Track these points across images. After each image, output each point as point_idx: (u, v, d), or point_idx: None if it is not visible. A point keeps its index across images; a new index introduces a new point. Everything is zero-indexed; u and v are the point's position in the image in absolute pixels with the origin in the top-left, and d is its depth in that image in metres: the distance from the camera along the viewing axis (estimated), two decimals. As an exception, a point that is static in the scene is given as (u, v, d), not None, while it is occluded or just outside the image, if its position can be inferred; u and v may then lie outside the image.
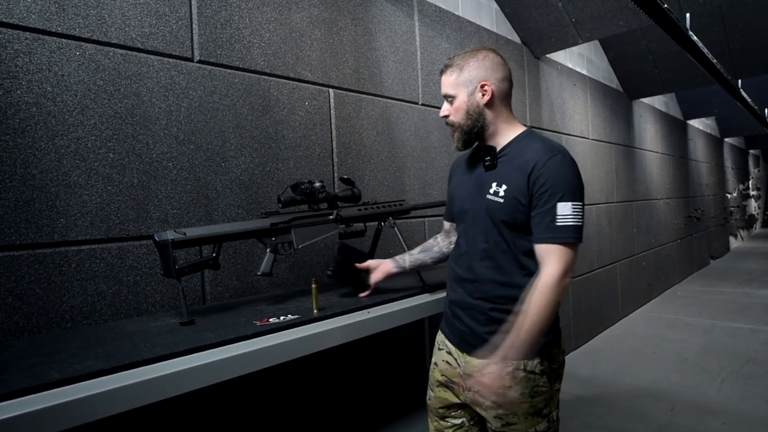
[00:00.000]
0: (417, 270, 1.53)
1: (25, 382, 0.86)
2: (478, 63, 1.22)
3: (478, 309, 1.23)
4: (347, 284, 1.55)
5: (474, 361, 1.22)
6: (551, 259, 1.12)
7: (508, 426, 1.19)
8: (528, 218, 1.17)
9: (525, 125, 1.29)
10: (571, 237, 1.11)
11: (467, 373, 1.23)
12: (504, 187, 1.19)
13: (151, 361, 0.97)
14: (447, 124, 1.29)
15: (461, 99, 1.23)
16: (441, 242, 1.51)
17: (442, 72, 1.28)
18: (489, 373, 1.11)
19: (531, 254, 1.19)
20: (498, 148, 1.25)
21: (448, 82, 1.25)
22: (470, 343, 1.24)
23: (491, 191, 1.21)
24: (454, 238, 1.45)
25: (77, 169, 1.36)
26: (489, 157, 1.24)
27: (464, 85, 1.23)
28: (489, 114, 1.24)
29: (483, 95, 1.22)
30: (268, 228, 1.44)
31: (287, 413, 1.67)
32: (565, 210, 1.11)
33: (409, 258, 1.50)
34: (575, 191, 1.14)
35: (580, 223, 1.13)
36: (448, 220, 1.48)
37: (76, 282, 1.35)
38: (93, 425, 0.85)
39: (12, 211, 1.25)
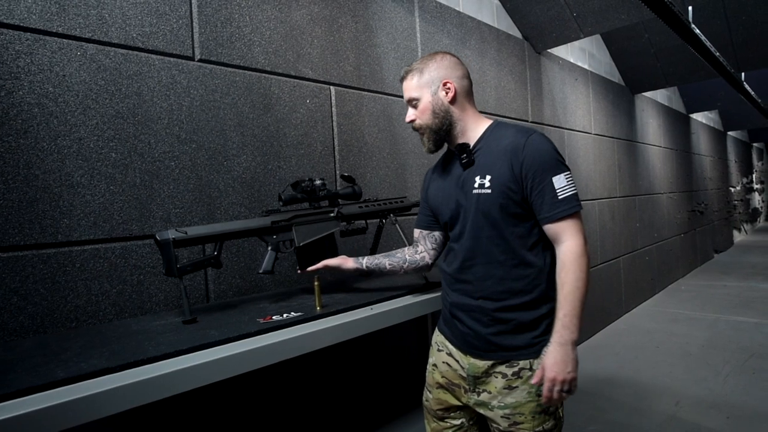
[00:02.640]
0: (375, 272, 1.46)
1: (31, 381, 0.87)
2: (437, 64, 1.25)
3: (480, 310, 1.21)
4: (299, 259, 1.52)
5: (478, 363, 1.22)
6: (567, 233, 1.15)
7: (515, 426, 1.18)
8: (519, 204, 1.17)
9: (492, 119, 1.31)
10: (576, 206, 1.15)
11: (472, 374, 1.22)
12: (488, 177, 1.19)
13: (156, 360, 0.98)
14: (414, 128, 1.30)
15: (426, 100, 1.25)
16: (407, 251, 1.46)
17: (402, 79, 1.30)
18: (553, 364, 1.10)
19: (525, 242, 1.19)
20: (471, 144, 1.25)
21: (411, 86, 1.27)
22: (473, 344, 1.23)
23: (476, 185, 1.20)
24: (421, 248, 1.45)
25: (80, 169, 1.37)
26: (465, 155, 1.24)
27: (427, 86, 1.25)
28: (455, 111, 1.25)
29: (447, 93, 1.24)
30: (270, 226, 1.44)
31: (292, 410, 1.67)
32: (561, 182, 1.14)
33: (368, 258, 1.45)
34: (561, 163, 1.17)
35: (576, 190, 1.16)
36: (421, 227, 1.44)
37: (81, 282, 1.36)
38: (98, 423, 0.86)
39: (16, 211, 1.26)
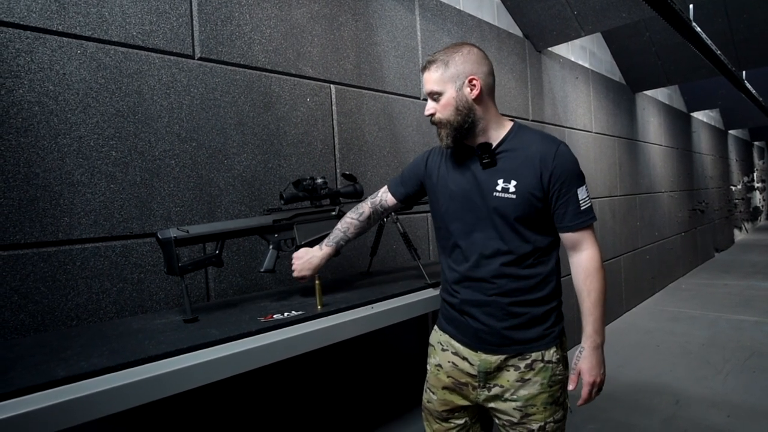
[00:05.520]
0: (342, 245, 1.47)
1: (31, 379, 0.87)
2: (463, 57, 1.19)
3: (495, 304, 1.21)
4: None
5: (491, 358, 1.22)
6: (587, 242, 1.21)
7: (527, 417, 1.19)
8: (540, 211, 1.19)
9: (511, 119, 1.29)
10: (594, 217, 1.22)
11: (483, 370, 1.22)
12: (514, 182, 1.18)
13: (156, 358, 0.98)
14: (433, 122, 1.25)
15: (449, 95, 1.20)
16: (354, 221, 1.46)
17: (424, 69, 1.23)
18: (590, 368, 1.19)
19: (541, 244, 1.21)
20: (493, 144, 1.23)
21: (433, 79, 1.21)
22: (486, 340, 1.23)
23: (498, 188, 1.19)
24: (367, 209, 1.45)
25: (80, 168, 1.36)
26: (487, 155, 1.21)
27: (451, 80, 1.19)
28: (478, 109, 1.21)
29: (472, 90, 1.18)
30: (271, 225, 1.44)
31: (292, 409, 1.67)
32: (583, 194, 1.19)
33: (327, 242, 1.45)
34: (582, 175, 1.22)
35: (592, 202, 1.22)
36: (400, 198, 1.43)
37: (81, 280, 1.36)
38: (98, 422, 0.86)
39: (16, 210, 1.26)
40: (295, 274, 1.44)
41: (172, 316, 1.36)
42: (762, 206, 13.50)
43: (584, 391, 1.19)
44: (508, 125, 1.25)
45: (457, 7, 2.81)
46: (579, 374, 1.20)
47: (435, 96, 1.22)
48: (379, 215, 1.49)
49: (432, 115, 1.24)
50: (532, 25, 3.36)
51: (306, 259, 1.43)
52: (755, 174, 12.99)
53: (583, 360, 1.19)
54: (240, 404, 1.55)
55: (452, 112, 1.20)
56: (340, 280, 1.79)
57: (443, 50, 1.23)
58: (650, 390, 2.96)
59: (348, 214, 1.48)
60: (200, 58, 1.64)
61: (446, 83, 1.20)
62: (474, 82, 1.19)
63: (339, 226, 1.47)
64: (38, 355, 1.03)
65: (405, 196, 1.43)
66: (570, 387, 1.21)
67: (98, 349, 1.05)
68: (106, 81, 1.42)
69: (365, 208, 1.47)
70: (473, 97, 1.19)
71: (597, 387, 1.19)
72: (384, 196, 1.46)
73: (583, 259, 1.21)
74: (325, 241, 1.46)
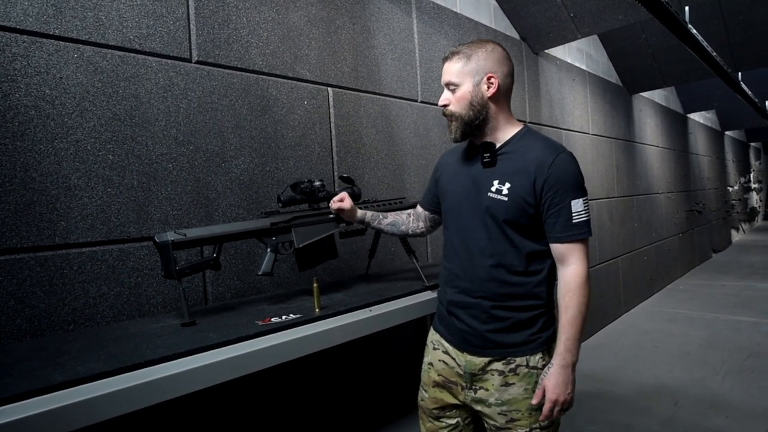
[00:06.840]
0: (373, 228, 1.55)
1: (28, 385, 0.86)
2: (486, 54, 1.19)
3: (478, 307, 1.22)
4: (297, 261, 1.54)
5: (475, 360, 1.22)
6: (574, 256, 1.16)
7: (512, 422, 1.19)
8: (531, 217, 1.17)
9: (522, 122, 1.28)
10: (587, 232, 1.16)
11: (468, 371, 1.23)
12: (507, 185, 1.18)
13: (154, 363, 0.97)
14: (445, 114, 1.25)
15: (466, 88, 1.20)
16: (410, 223, 1.53)
17: (446, 59, 1.23)
18: (555, 386, 1.13)
19: (531, 252, 1.19)
20: (497, 145, 1.23)
21: (454, 70, 1.21)
22: (471, 342, 1.23)
23: (493, 189, 1.19)
24: (422, 224, 1.51)
25: (77, 172, 1.36)
26: (488, 154, 1.21)
27: (471, 74, 1.19)
28: (492, 108, 1.21)
29: (489, 87, 1.19)
30: (269, 228, 1.44)
31: (290, 412, 1.67)
32: (578, 207, 1.15)
33: (372, 215, 1.53)
34: (582, 187, 1.18)
35: (589, 217, 1.18)
36: (425, 207, 1.50)
37: (78, 284, 1.35)
38: (95, 428, 0.86)
39: (12, 214, 1.25)
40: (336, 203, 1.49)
41: (169, 319, 1.36)
42: (759, 207, 13.54)
43: (545, 408, 1.14)
44: (518, 127, 1.25)
45: (454, 9, 2.82)
46: (544, 390, 1.15)
47: (452, 87, 1.22)
48: (415, 225, 1.53)
49: (445, 106, 1.24)
50: (529, 27, 3.37)
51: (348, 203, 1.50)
52: (752, 175, 13.04)
53: (549, 377, 1.14)
54: (238, 407, 1.54)
55: (465, 107, 1.20)
56: (338, 283, 1.79)
57: (468, 43, 1.23)
58: (649, 391, 2.96)
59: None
60: (197, 62, 1.64)
61: (465, 76, 1.20)
62: (492, 80, 1.19)
63: (389, 226, 1.54)
64: (35, 360, 1.03)
65: (432, 205, 1.46)
66: (533, 401, 1.16)
67: (95, 353, 1.04)
68: (103, 84, 1.42)
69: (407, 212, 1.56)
70: (489, 95, 1.20)
71: (560, 406, 1.14)
72: (418, 210, 1.54)
73: (566, 274, 1.17)
74: (370, 216, 1.53)
